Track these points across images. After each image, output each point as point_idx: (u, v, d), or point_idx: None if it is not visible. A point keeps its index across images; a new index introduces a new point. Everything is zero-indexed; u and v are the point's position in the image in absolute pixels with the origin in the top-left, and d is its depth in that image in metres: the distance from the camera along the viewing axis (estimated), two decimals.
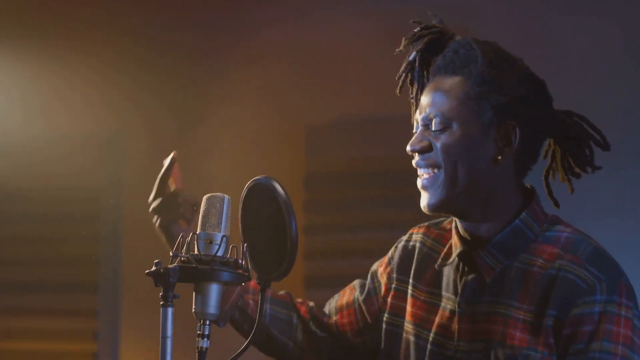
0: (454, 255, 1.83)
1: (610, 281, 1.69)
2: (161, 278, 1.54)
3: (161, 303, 1.54)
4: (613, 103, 3.13)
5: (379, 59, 3.46)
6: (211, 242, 1.57)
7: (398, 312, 1.92)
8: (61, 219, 3.79)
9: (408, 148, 1.80)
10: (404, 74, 1.87)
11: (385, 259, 2.00)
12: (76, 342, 3.79)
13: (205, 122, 3.68)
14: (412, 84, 1.87)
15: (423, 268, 1.91)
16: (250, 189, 1.66)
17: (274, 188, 1.61)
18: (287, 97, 3.61)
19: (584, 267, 1.70)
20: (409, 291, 1.92)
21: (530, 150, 1.81)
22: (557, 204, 1.89)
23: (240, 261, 1.59)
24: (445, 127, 1.76)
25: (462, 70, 1.77)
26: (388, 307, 1.94)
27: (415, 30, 1.87)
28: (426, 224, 1.97)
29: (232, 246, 1.59)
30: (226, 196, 1.60)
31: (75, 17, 3.78)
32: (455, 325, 1.81)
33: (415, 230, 1.98)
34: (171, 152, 2.07)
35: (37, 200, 3.80)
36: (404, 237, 1.99)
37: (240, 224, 1.67)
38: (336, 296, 2.06)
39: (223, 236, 1.58)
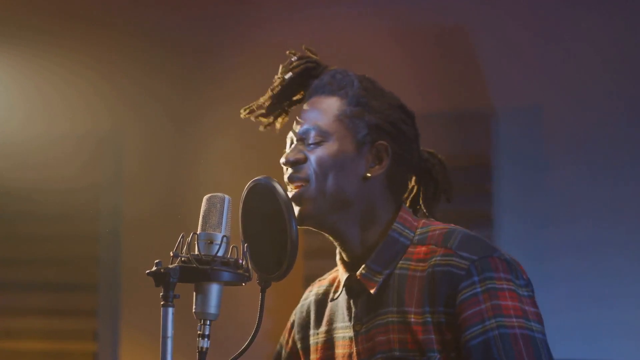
0: (342, 283, 1.87)
1: (482, 259, 1.72)
2: (162, 278, 1.54)
3: (162, 303, 1.54)
4: (613, 100, 3.13)
5: (379, 58, 3.47)
6: (211, 243, 1.57)
7: None
8: (61, 218, 3.79)
9: (282, 160, 1.85)
10: (278, 93, 1.93)
11: (288, 326, 2.04)
12: (76, 342, 3.79)
13: (204, 122, 3.68)
14: (280, 101, 1.94)
15: (320, 314, 1.95)
16: (250, 189, 1.67)
17: (274, 188, 1.62)
18: None
19: (455, 255, 1.74)
20: (312, 342, 1.95)
21: (400, 176, 1.87)
22: (433, 216, 1.95)
23: (240, 261, 1.59)
24: (321, 140, 1.82)
25: (339, 92, 1.86)
26: None
27: (292, 59, 1.95)
28: (316, 280, 2.02)
29: (233, 246, 1.59)
30: (227, 196, 1.60)
31: (74, 17, 3.78)
32: (354, 349, 1.83)
33: (307, 290, 2.03)
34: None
35: (37, 200, 3.80)
36: (300, 301, 2.03)
37: (240, 224, 1.67)
38: None
39: (223, 236, 1.58)
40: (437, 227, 1.83)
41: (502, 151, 3.24)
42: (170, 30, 3.73)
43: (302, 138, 1.85)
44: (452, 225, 1.83)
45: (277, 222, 1.60)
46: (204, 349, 1.59)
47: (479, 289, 1.71)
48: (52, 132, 3.81)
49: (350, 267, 1.85)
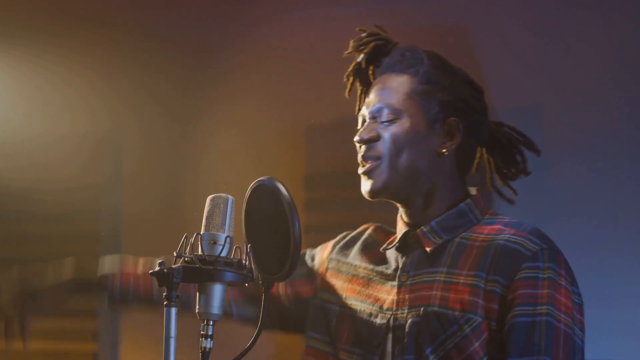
0: (399, 236, 1.93)
1: (551, 251, 1.80)
2: (165, 278, 1.55)
3: (165, 303, 1.54)
4: (613, 100, 3.13)
5: None
6: (215, 243, 1.58)
7: (332, 290, 1.97)
8: (61, 218, 3.79)
9: (356, 139, 1.89)
10: (352, 76, 1.98)
11: (330, 243, 2.10)
12: (76, 342, 3.79)
13: (204, 122, 3.68)
14: (359, 85, 1.98)
15: (366, 251, 2.01)
16: (254, 190, 1.67)
17: (278, 189, 1.62)
18: (287, 97, 3.61)
19: (526, 237, 1.81)
20: (346, 270, 2.01)
21: (469, 151, 1.95)
22: (512, 203, 2.04)
23: (243, 262, 1.59)
24: (394, 118, 1.88)
25: (409, 70, 1.91)
26: (321, 285, 2.03)
27: (362, 36, 1.98)
28: (378, 224, 2.06)
29: (236, 247, 1.60)
30: (230, 197, 1.61)
31: (74, 17, 3.78)
32: (394, 297, 1.87)
33: (366, 226, 2.09)
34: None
35: (37, 200, 3.80)
36: (354, 231, 2.09)
37: (243, 225, 1.68)
38: None
39: (227, 237, 1.58)
40: (506, 217, 1.90)
41: None
42: (170, 30, 3.73)
43: (374, 117, 1.90)
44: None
45: (280, 222, 1.61)
46: (207, 350, 1.59)
47: (540, 275, 1.77)
48: (52, 132, 3.81)
49: (410, 225, 1.92)
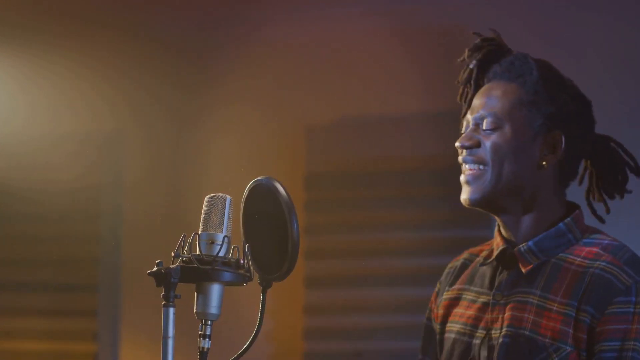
0: (496, 252, 1.91)
1: None
2: (163, 278, 1.54)
3: (163, 303, 1.54)
4: (614, 101, 3.13)
5: (380, 58, 3.47)
6: (213, 243, 1.57)
7: (443, 320, 2.00)
8: (62, 219, 3.79)
9: (457, 144, 1.90)
10: (465, 81, 1.97)
11: (432, 297, 2.07)
12: (76, 342, 3.79)
13: (205, 122, 3.69)
14: (468, 88, 1.96)
15: (458, 276, 2.00)
16: (251, 190, 1.66)
17: (276, 189, 1.61)
18: (287, 97, 3.61)
19: (622, 269, 1.78)
20: (441, 299, 2.01)
21: (572, 164, 1.91)
22: (601, 221, 1.98)
23: (241, 262, 1.59)
24: (496, 127, 1.86)
25: (517, 79, 1.88)
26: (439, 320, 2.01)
27: (476, 42, 1.97)
28: (465, 251, 2.06)
29: (234, 246, 1.59)
30: (228, 196, 1.60)
31: (75, 18, 3.78)
32: (487, 316, 1.87)
33: (454, 259, 2.07)
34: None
35: (38, 200, 3.80)
36: (445, 270, 2.07)
37: (241, 225, 1.67)
38: None
39: (225, 236, 1.58)
40: (606, 237, 1.87)
41: None
42: (172, 32, 3.73)
43: (477, 123, 1.88)
44: (619, 241, 1.87)
45: (278, 222, 1.60)
46: (205, 349, 1.59)
47: (632, 309, 1.75)
48: (54, 133, 3.82)
49: (507, 241, 1.89)
